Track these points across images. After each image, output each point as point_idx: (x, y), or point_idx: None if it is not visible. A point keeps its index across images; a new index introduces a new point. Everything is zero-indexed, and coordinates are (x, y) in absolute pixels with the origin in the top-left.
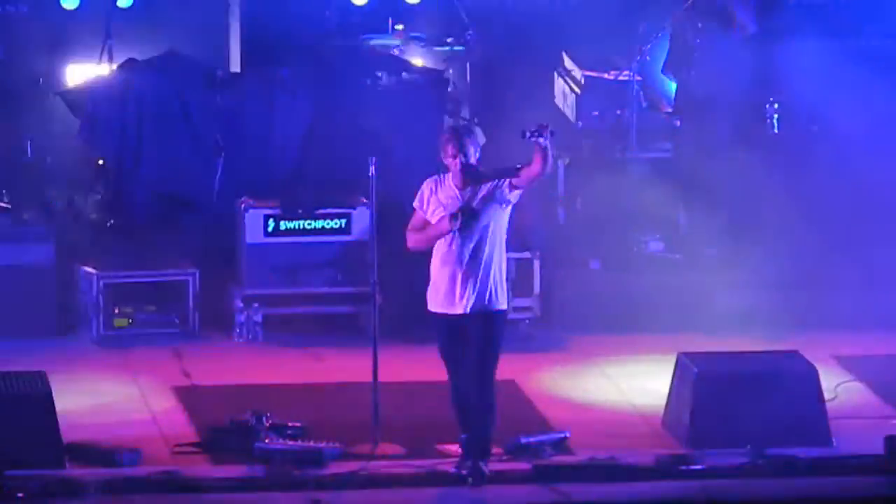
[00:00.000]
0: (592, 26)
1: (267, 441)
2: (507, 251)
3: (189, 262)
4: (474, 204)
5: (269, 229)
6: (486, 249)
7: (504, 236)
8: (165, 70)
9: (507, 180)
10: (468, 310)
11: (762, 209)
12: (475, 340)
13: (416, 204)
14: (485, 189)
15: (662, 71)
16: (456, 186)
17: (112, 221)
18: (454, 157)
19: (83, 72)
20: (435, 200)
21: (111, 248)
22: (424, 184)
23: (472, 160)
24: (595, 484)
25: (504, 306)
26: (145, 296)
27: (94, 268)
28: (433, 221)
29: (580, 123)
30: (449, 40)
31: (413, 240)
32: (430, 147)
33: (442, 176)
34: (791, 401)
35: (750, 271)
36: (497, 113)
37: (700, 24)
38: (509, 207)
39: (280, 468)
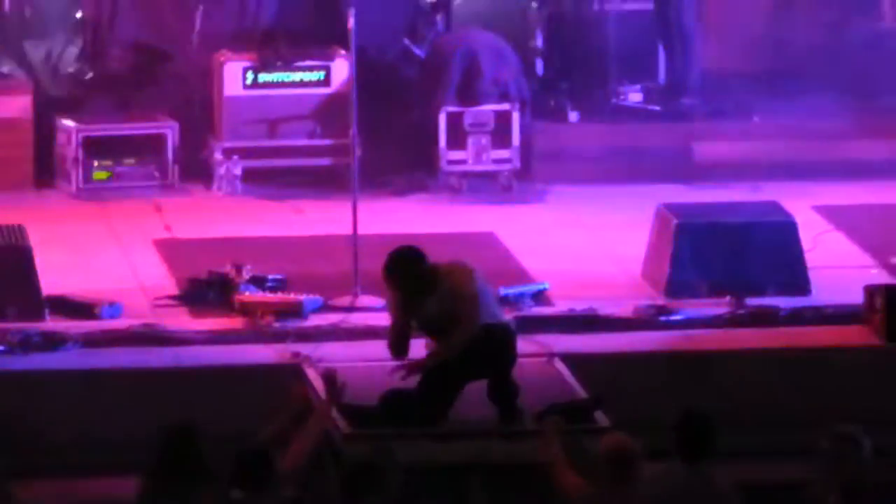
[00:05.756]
0: None
1: (247, 294)
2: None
3: (168, 115)
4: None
5: (248, 82)
6: None
7: None
8: None
9: None
10: None
11: (744, 58)
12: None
13: None
14: None
15: None
16: None
17: (90, 74)
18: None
19: None
20: None
21: (90, 101)
22: None
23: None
24: (575, 335)
25: None
26: (124, 149)
27: (73, 121)
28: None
29: None
30: None
31: None
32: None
33: None
34: (770, 251)
35: (730, 122)
36: None
37: None
38: None
39: (260, 320)
